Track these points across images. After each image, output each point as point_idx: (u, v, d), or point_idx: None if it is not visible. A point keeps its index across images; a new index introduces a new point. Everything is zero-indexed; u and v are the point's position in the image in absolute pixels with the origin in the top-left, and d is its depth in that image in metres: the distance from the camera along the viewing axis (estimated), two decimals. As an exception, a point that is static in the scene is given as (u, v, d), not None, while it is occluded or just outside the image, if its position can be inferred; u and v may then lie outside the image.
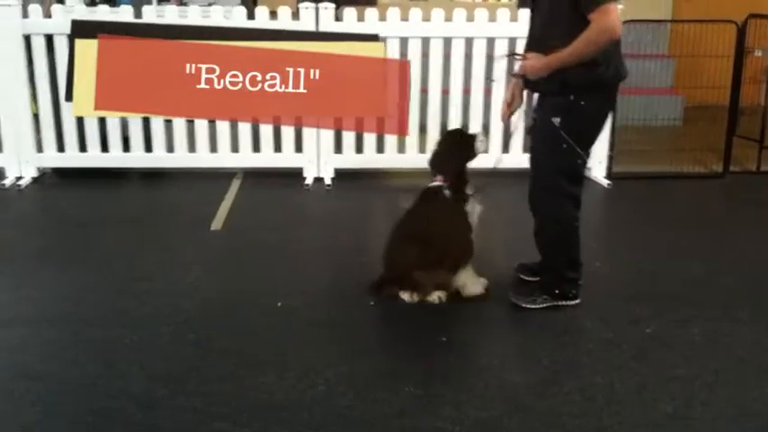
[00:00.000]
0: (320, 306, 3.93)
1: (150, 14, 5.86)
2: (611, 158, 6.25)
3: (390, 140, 6.11)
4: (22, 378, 3.20)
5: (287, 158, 6.13)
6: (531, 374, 3.29)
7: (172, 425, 2.91)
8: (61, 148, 6.02)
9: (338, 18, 5.92)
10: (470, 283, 3.96)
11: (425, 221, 3.93)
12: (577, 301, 3.92)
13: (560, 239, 3.87)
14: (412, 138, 6.10)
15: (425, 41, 5.92)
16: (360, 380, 3.21)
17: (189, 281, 4.19)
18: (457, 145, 3.94)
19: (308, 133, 6.05)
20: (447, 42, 5.97)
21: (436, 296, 3.92)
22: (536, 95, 3.91)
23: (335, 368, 3.29)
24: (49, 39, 5.80)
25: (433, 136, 5.93)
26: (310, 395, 3.10)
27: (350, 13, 5.85)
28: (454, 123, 5.99)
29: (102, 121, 5.97)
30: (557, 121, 3.69)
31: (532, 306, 3.90)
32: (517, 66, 3.93)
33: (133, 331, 3.61)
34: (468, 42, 5.98)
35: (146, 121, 5.99)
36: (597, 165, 6.18)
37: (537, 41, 3.72)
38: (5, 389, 3.13)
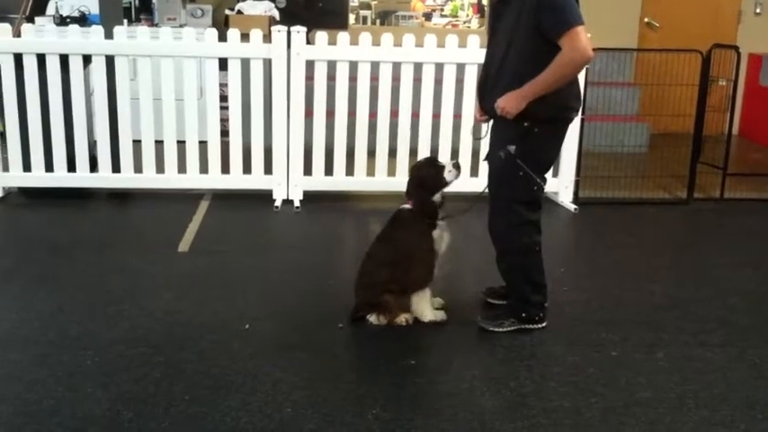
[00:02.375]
0: (289, 329, 3.91)
1: (121, 35, 5.84)
2: (577, 183, 6.32)
3: (360, 163, 6.13)
4: (-16, 400, 3.16)
5: (256, 180, 6.12)
6: (499, 398, 3.30)
7: (137, 448, 2.88)
8: (27, 167, 5.96)
9: (309, 41, 5.96)
10: (426, 309, 3.97)
11: (392, 244, 3.96)
12: (544, 325, 3.96)
13: (523, 265, 3.91)
14: (381, 161, 6.13)
15: (396, 66, 5.96)
16: (327, 403, 3.21)
17: (157, 304, 4.15)
18: (426, 174, 3.95)
19: (278, 155, 6.05)
20: (417, 67, 6.02)
21: (403, 318, 3.93)
22: (491, 122, 3.92)
23: (303, 391, 3.29)
24: (18, 57, 5.76)
25: (403, 160, 5.99)
26: (277, 418, 3.09)
27: (321, 37, 5.89)
28: (424, 147, 6.04)
29: (69, 141, 5.92)
30: (512, 148, 3.69)
31: (499, 330, 3.92)
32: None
33: (101, 354, 3.57)
34: (439, 67, 6.05)
35: (113, 141, 5.95)
36: (564, 189, 6.25)
37: (498, 70, 3.72)
38: (-33, 411, 3.08)
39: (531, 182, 3.74)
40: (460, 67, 6.06)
